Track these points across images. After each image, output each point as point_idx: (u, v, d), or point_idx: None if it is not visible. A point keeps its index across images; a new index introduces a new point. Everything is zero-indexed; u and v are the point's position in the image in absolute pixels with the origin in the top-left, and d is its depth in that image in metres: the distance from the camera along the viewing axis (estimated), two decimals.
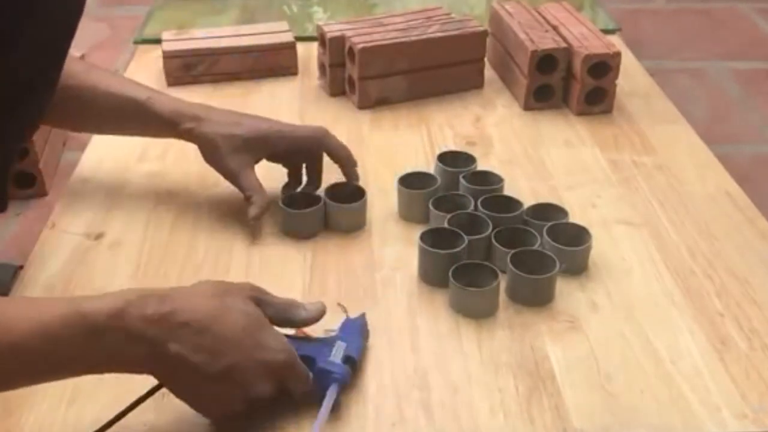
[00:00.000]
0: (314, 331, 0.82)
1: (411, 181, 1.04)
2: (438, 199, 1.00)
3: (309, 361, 0.76)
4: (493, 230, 0.94)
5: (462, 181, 1.03)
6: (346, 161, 1.05)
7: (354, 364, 0.79)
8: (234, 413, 0.73)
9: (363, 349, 0.82)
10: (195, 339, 0.69)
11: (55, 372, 0.69)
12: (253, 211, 0.98)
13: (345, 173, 1.06)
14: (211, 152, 1.01)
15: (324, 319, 0.81)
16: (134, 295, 0.69)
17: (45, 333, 0.65)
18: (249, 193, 0.99)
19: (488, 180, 1.04)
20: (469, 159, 1.09)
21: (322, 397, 0.75)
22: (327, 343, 0.79)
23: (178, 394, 0.72)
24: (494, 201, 0.99)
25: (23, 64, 0.78)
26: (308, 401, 0.76)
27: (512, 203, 0.99)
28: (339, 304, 0.87)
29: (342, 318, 0.84)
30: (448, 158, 1.09)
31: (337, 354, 0.77)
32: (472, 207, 0.99)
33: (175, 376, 0.70)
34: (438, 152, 1.10)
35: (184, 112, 1.01)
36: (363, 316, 0.85)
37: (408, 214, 1.03)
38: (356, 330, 0.82)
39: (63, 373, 0.69)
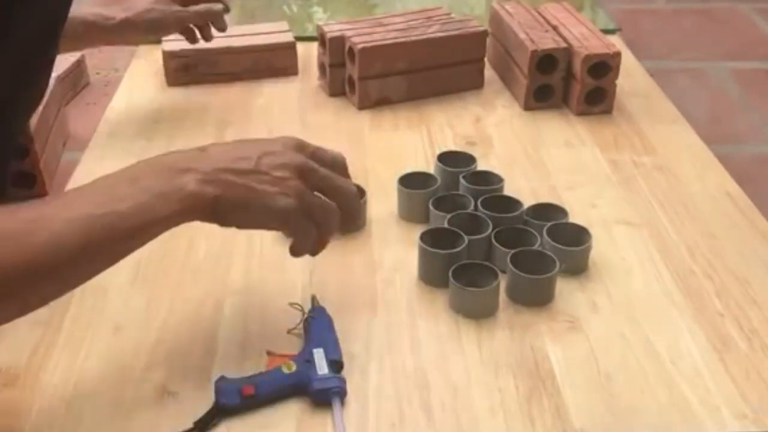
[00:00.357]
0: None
1: (411, 181, 1.04)
2: (438, 199, 1.00)
3: (303, 386, 0.77)
4: (493, 230, 0.94)
5: (462, 181, 1.03)
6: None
7: (341, 364, 0.80)
8: (299, 191, 0.74)
9: (338, 342, 0.82)
10: (222, 147, 0.76)
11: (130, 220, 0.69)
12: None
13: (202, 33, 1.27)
14: (153, 18, 1.18)
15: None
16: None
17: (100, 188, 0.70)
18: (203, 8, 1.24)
19: (488, 180, 1.04)
20: (469, 159, 1.09)
21: (326, 405, 0.76)
22: (306, 357, 0.79)
23: (242, 203, 0.72)
24: (494, 201, 0.99)
25: (26, 44, 0.79)
26: (316, 408, 0.77)
27: (512, 203, 0.99)
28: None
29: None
30: (448, 158, 1.09)
31: (321, 365, 0.78)
32: (472, 207, 0.99)
33: (227, 189, 0.71)
34: (438, 152, 1.10)
35: (108, 10, 1.15)
36: (321, 308, 0.86)
37: (408, 214, 1.03)
38: (324, 327, 0.83)
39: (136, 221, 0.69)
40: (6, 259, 0.63)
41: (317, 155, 0.78)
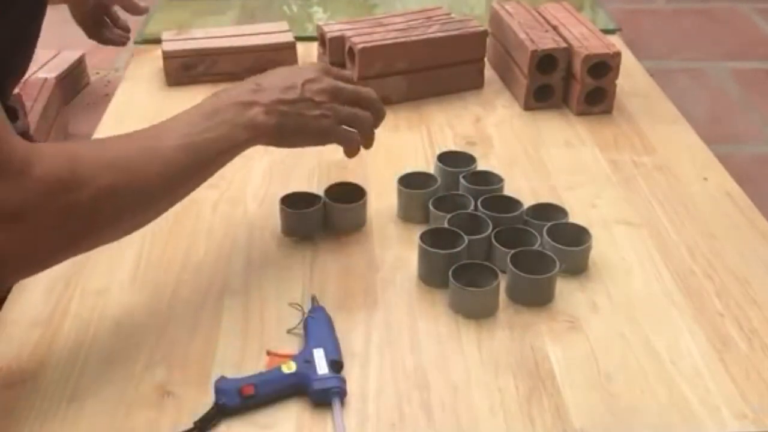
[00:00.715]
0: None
1: (411, 181, 1.04)
2: (438, 199, 1.00)
3: (303, 386, 0.77)
4: (493, 230, 0.94)
5: (462, 181, 1.03)
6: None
7: (341, 365, 0.80)
8: (335, 110, 0.91)
9: (338, 342, 0.82)
10: (271, 79, 0.90)
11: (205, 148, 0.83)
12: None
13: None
14: None
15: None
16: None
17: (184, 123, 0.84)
18: None
19: (488, 180, 1.04)
20: (469, 159, 1.09)
21: (326, 405, 0.76)
22: (306, 358, 0.79)
23: (295, 128, 0.89)
24: (494, 201, 0.99)
25: (20, 18, 0.83)
26: (316, 408, 0.77)
27: (512, 203, 0.99)
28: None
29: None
30: (448, 158, 1.08)
31: (321, 365, 0.78)
32: (472, 207, 0.99)
33: (284, 118, 0.88)
34: (438, 152, 1.10)
35: None
36: (321, 308, 0.86)
37: (408, 214, 1.03)
38: (323, 327, 0.83)
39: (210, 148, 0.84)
40: (129, 182, 0.76)
41: (340, 76, 0.95)
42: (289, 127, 0.89)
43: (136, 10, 1.51)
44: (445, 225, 0.95)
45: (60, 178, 0.71)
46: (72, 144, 0.76)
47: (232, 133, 0.85)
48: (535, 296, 0.89)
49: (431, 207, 0.99)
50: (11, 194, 0.68)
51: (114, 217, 0.77)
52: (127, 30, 1.51)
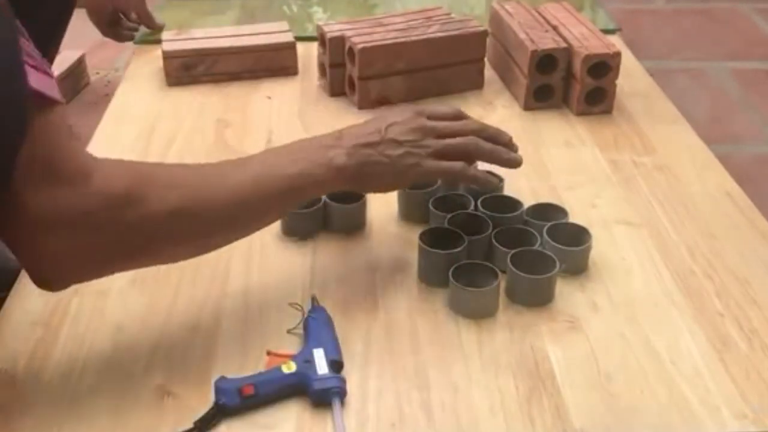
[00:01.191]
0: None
1: None
2: (438, 199, 1.00)
3: (303, 386, 0.77)
4: (493, 230, 0.94)
5: None
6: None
7: (341, 365, 0.80)
8: (425, 145, 0.88)
9: (338, 342, 0.82)
10: (355, 128, 0.89)
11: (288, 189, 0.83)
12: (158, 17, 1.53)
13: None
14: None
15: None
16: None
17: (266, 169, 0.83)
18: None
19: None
20: None
21: (326, 405, 0.76)
22: (306, 357, 0.79)
23: (377, 171, 0.86)
24: (494, 201, 0.99)
25: (51, 17, 0.89)
26: (316, 408, 0.77)
27: (512, 203, 0.99)
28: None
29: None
30: None
31: (321, 365, 0.78)
32: (472, 207, 0.99)
33: (365, 160, 0.86)
34: None
35: None
36: (321, 308, 0.86)
37: (408, 214, 1.03)
38: (324, 327, 0.83)
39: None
40: (190, 207, 0.76)
41: (435, 114, 0.92)
42: (369, 168, 0.86)
43: (153, 25, 1.53)
44: (445, 225, 0.95)
45: (116, 193, 0.72)
46: (138, 163, 0.78)
47: (309, 169, 0.83)
48: (535, 296, 0.89)
49: (431, 207, 0.99)
50: (66, 201, 0.70)
51: (170, 239, 0.77)
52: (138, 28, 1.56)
